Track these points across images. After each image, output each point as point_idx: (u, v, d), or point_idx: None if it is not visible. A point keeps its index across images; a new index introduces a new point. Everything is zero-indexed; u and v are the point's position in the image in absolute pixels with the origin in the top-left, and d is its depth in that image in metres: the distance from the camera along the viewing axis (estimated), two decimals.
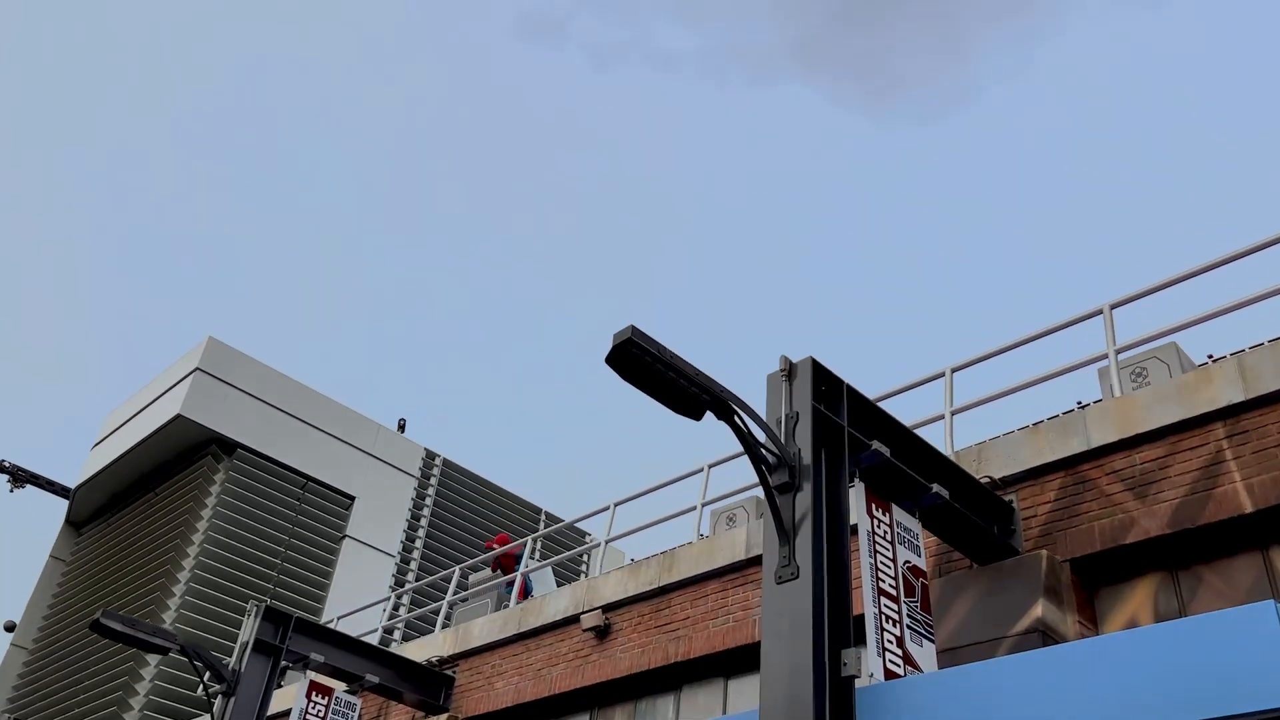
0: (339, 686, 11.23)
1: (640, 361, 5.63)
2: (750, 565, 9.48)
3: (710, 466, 11.19)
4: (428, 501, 24.02)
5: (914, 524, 6.78)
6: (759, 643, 9.19)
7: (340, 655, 11.23)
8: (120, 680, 18.56)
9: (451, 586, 13.92)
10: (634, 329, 5.59)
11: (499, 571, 14.28)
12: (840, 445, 6.32)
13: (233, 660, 10.55)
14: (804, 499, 6.06)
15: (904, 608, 6.25)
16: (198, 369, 21.02)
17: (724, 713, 9.31)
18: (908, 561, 6.51)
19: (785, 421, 6.35)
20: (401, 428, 24.85)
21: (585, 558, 21.29)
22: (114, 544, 22.16)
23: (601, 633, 10.54)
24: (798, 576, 5.80)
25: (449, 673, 12.15)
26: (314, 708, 10.87)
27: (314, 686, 10.95)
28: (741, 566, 9.53)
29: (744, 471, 13.72)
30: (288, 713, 12.46)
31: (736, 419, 5.95)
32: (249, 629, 10.66)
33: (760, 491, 12.62)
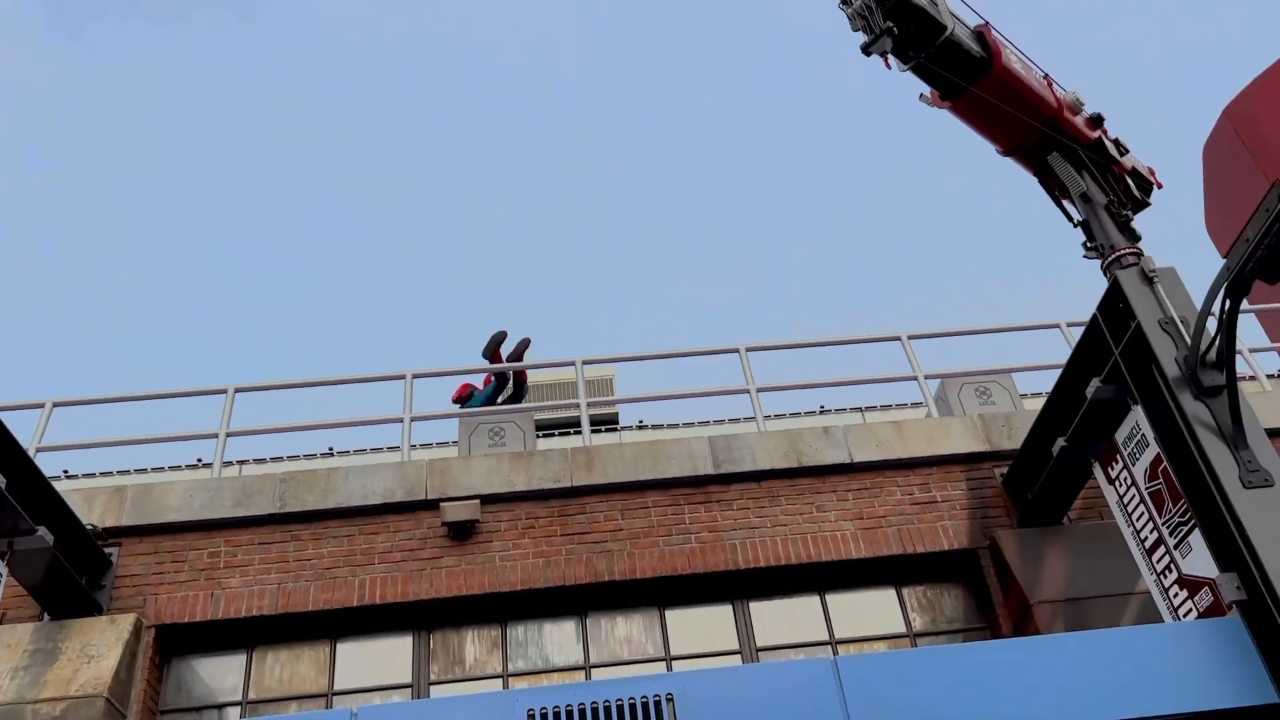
0: None
1: None
2: (715, 482, 8.13)
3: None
4: None
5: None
6: (736, 571, 7.78)
7: None
8: None
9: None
10: None
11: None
12: None
13: None
14: None
15: None
16: None
17: (665, 645, 7.65)
18: None
19: None
20: None
21: None
22: None
23: (462, 530, 7.82)
24: None
25: (110, 554, 7.53)
26: None
27: None
28: (703, 482, 8.12)
29: None
30: None
31: None
32: None
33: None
